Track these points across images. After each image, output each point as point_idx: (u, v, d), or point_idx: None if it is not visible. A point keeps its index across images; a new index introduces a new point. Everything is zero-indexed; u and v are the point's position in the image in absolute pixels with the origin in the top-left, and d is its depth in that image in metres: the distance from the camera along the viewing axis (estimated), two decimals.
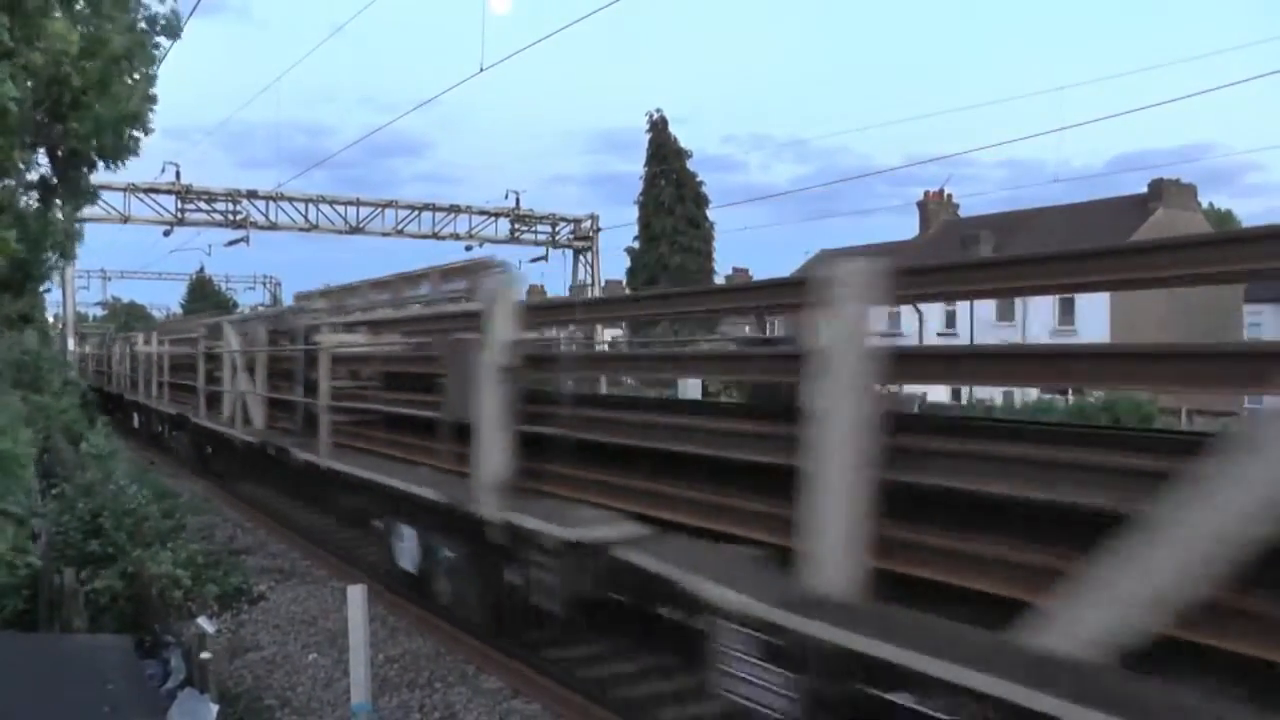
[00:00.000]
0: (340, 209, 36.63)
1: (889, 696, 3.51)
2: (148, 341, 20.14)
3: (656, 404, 6.73)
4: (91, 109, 10.15)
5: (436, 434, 6.75)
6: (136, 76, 11.27)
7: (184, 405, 15.17)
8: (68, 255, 13.58)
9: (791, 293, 4.39)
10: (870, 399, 3.61)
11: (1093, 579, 2.84)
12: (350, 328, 9.27)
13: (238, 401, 11.71)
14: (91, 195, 14.40)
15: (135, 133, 11.41)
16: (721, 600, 3.90)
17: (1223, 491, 2.59)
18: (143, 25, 11.52)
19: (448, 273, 7.71)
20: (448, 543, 6.80)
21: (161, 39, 11.82)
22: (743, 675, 4.00)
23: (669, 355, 6.91)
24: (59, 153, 11.28)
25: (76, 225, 13.18)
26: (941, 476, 3.51)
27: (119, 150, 11.29)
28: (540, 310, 6.65)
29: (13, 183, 10.69)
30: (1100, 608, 2.82)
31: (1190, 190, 43.43)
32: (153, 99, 11.71)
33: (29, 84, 8.98)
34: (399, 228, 37.57)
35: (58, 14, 9.11)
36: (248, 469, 12.69)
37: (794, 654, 3.70)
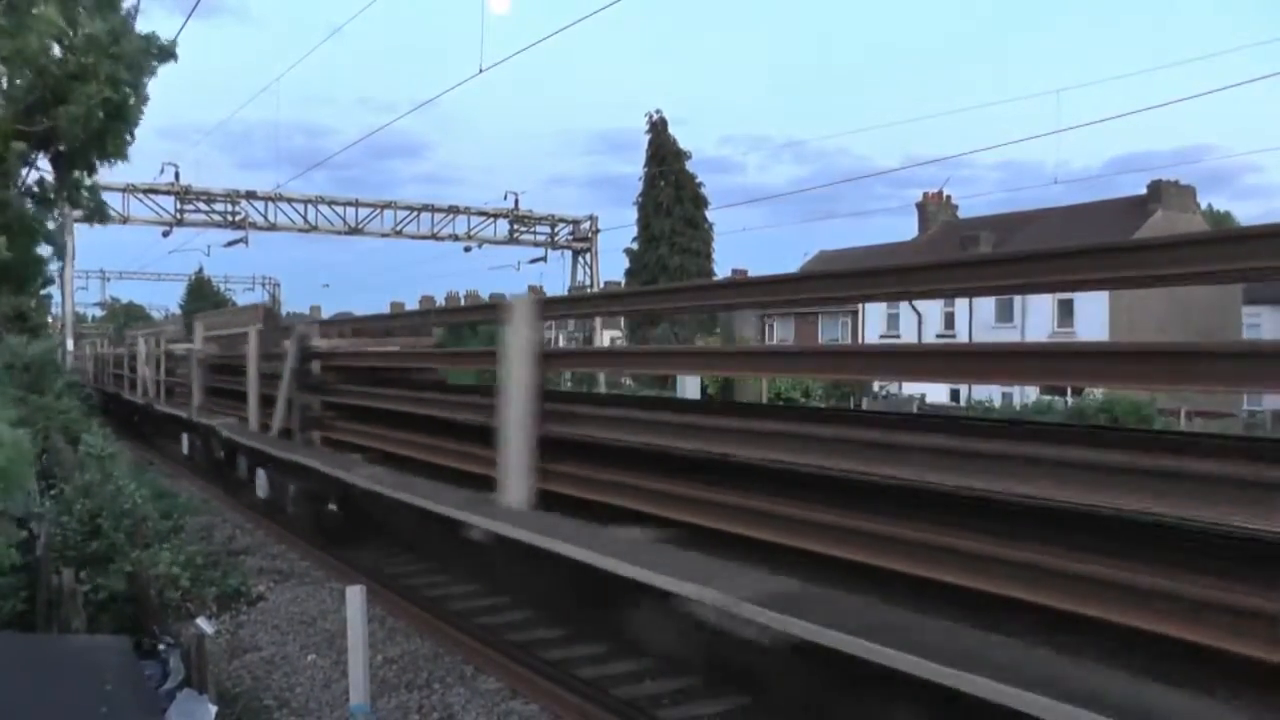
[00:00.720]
0: (339, 210, 36.65)
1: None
2: (104, 346, 31.17)
3: (236, 370, 12.76)
4: (79, 94, 10.18)
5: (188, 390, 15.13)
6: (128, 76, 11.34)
7: (119, 387, 23.56)
8: (64, 245, 13.79)
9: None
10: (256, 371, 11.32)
11: None
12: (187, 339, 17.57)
13: (140, 383, 19.87)
14: (97, 207, 14.60)
15: (127, 134, 11.44)
16: (231, 439, 11.47)
17: None
18: (140, 39, 11.58)
19: (240, 310, 15.21)
20: (195, 437, 14.91)
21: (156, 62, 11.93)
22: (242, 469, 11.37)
23: (239, 355, 12.51)
24: (59, 151, 11.31)
25: (63, 221, 13.25)
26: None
27: (116, 145, 11.33)
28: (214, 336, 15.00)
29: (12, 190, 10.73)
30: None
31: (1189, 192, 43.45)
32: (144, 98, 11.78)
33: (25, 72, 9.02)
34: (398, 229, 37.58)
35: (48, 3, 9.18)
36: (146, 422, 20.71)
37: (254, 455, 10.54)
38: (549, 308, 6.51)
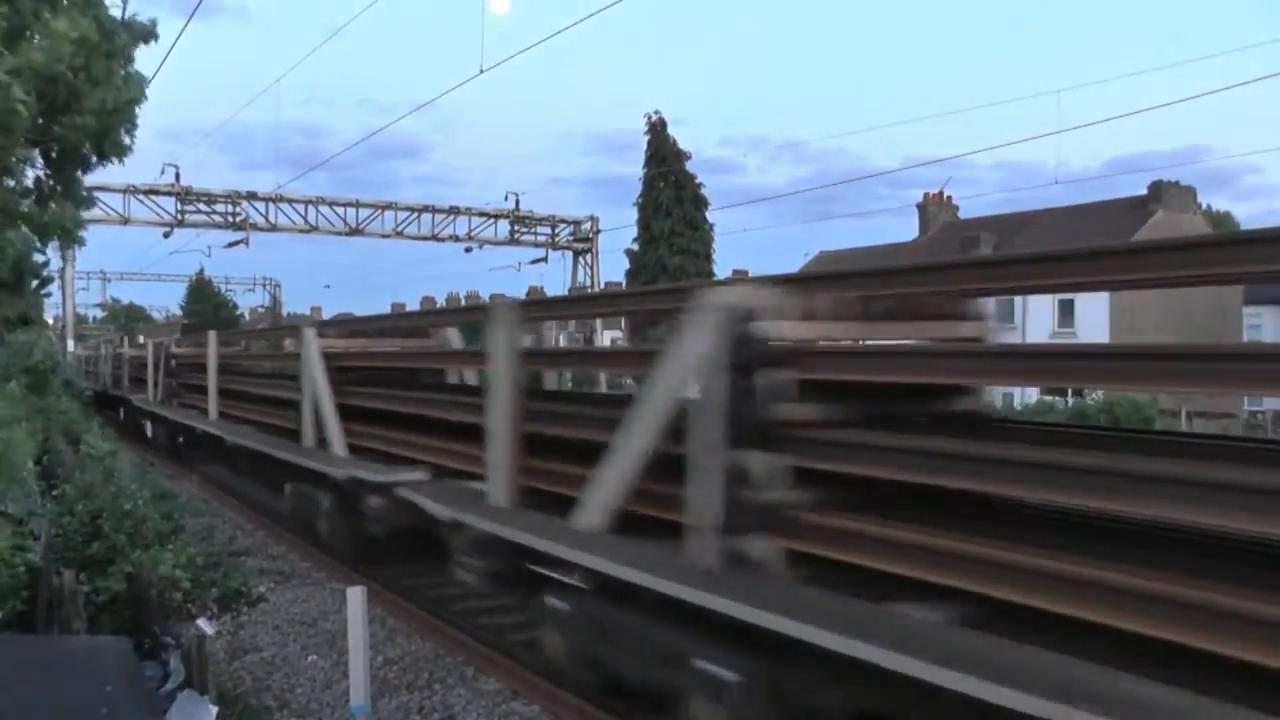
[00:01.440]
0: (340, 211, 36.62)
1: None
2: (80, 349, 41.38)
3: (141, 363, 20.74)
4: (90, 101, 10.15)
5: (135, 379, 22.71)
6: (123, 72, 11.33)
7: (89, 380, 31.22)
8: (72, 239, 13.91)
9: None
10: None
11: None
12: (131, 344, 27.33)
13: (99, 375, 29.25)
14: (87, 201, 14.61)
15: (126, 135, 11.43)
16: (139, 406, 21.01)
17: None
18: (123, 30, 11.56)
19: (170, 324, 27.33)
20: (126, 409, 23.52)
21: (141, 43, 11.91)
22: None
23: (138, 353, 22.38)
24: (53, 153, 11.29)
25: (76, 217, 13.20)
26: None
27: (116, 146, 11.31)
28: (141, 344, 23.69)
29: (12, 183, 10.72)
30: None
31: (1189, 192, 43.44)
32: (141, 90, 11.76)
33: (30, 84, 9.00)
34: (399, 229, 37.55)
35: (60, 12, 9.17)
36: (111, 405, 26.50)
37: (147, 414, 20.51)
38: (224, 337, 15.06)
